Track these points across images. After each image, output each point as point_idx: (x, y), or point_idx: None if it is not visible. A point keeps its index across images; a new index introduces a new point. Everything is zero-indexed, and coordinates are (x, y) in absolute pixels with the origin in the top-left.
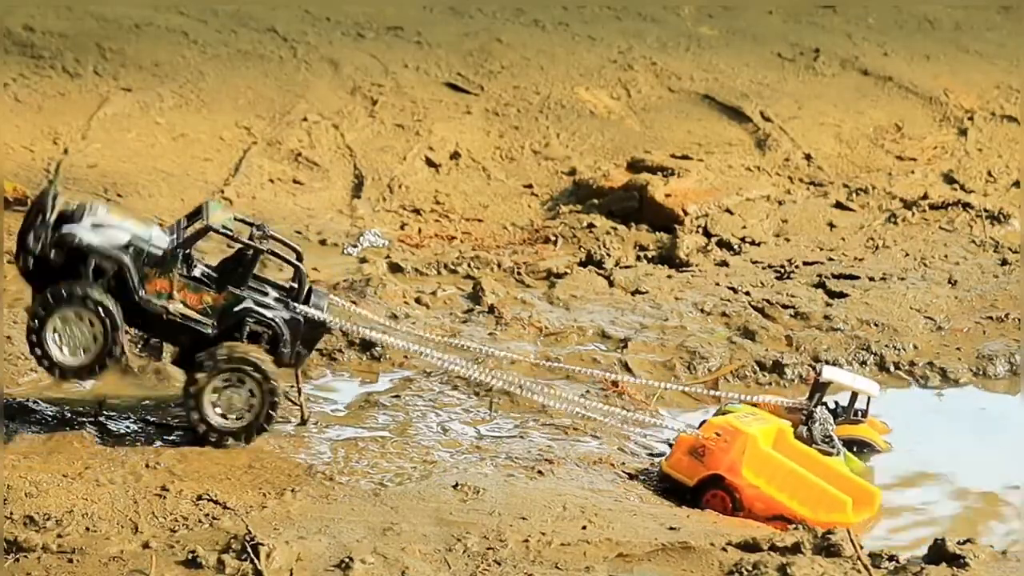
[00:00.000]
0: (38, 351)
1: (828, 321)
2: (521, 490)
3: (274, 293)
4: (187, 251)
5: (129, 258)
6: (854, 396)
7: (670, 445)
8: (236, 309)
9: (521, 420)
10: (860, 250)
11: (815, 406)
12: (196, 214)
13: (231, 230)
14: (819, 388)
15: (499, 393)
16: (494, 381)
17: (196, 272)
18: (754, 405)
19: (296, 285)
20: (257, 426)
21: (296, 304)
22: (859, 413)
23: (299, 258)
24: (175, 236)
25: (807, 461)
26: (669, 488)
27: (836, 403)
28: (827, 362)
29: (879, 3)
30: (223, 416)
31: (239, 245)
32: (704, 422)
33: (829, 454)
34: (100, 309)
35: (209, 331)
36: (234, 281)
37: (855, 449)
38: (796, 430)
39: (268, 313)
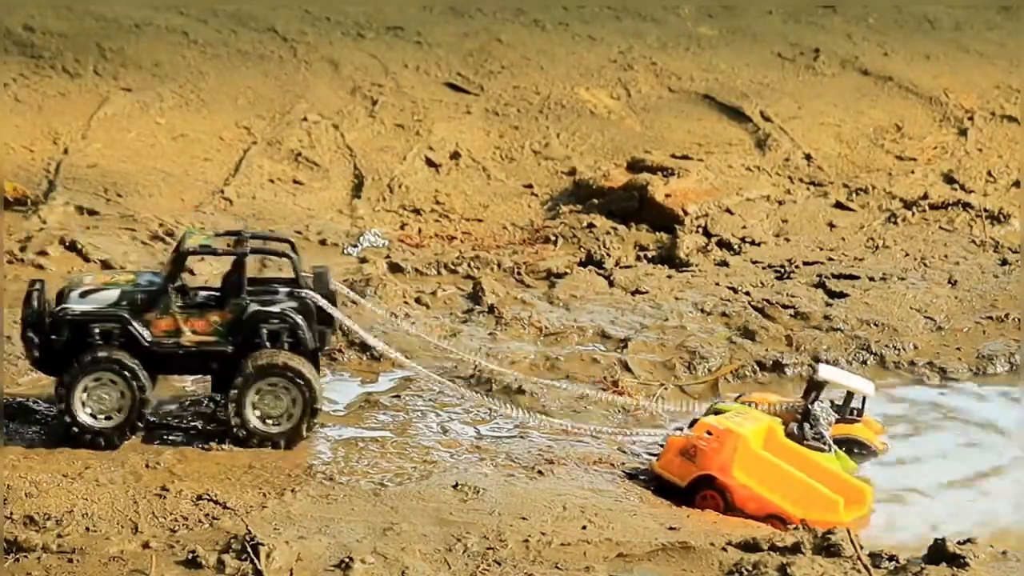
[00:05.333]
0: (67, 419)
1: (828, 321)
2: (521, 490)
3: (282, 288)
4: (176, 283)
5: (126, 312)
6: (849, 395)
7: (661, 445)
8: (245, 317)
9: (521, 420)
10: (860, 250)
11: (811, 404)
12: (179, 246)
13: (209, 246)
14: (815, 387)
15: (499, 393)
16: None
17: (198, 299)
18: (750, 404)
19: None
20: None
21: (299, 290)
22: (855, 412)
23: (293, 248)
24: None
25: (798, 460)
26: (664, 487)
27: (832, 401)
28: (824, 361)
29: (879, 3)
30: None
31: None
32: (695, 421)
33: (821, 451)
34: (124, 370)
35: (229, 348)
36: (233, 292)
37: (846, 448)
38: (787, 427)
39: (276, 308)
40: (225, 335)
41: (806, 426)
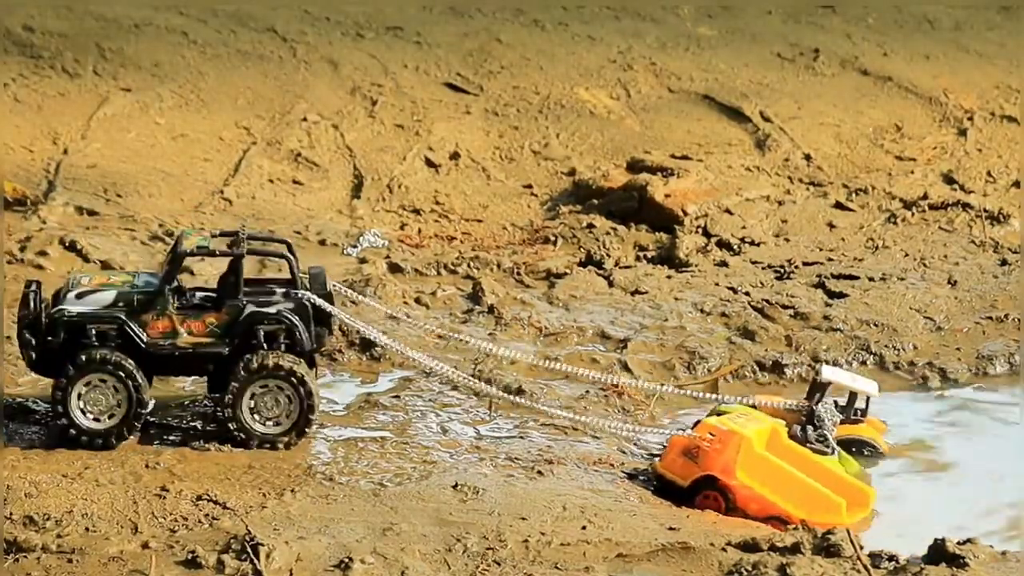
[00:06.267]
0: (64, 421)
1: (828, 321)
2: (521, 490)
3: (279, 288)
4: (172, 284)
5: (123, 313)
6: (853, 396)
7: (663, 445)
8: (241, 318)
9: (521, 420)
10: (860, 250)
11: (815, 405)
12: (176, 247)
13: (207, 246)
14: (819, 388)
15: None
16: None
17: (195, 300)
18: (753, 407)
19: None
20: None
21: (296, 291)
22: (858, 413)
23: (290, 249)
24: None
25: (801, 462)
26: (665, 488)
27: (836, 402)
28: (826, 362)
29: (879, 3)
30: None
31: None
32: (698, 422)
33: (824, 453)
34: (120, 371)
35: (225, 349)
36: (229, 294)
37: (854, 449)
38: (790, 429)
39: (272, 309)
40: (221, 336)
41: (809, 428)
